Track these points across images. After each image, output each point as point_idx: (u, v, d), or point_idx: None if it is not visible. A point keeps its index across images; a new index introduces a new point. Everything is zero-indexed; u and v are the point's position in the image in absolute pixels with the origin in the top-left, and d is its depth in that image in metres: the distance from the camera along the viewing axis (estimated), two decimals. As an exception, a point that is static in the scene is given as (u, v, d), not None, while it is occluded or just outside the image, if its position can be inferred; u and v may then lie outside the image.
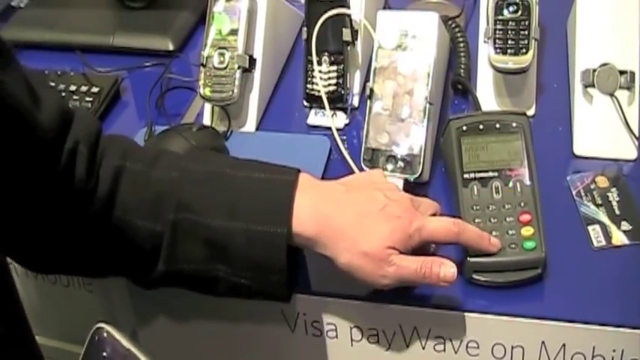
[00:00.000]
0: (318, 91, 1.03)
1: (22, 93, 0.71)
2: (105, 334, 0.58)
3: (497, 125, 0.90)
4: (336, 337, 0.89)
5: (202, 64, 1.05)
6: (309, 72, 1.05)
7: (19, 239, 0.79)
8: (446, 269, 0.78)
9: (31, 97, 0.73)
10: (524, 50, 0.98)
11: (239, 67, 1.04)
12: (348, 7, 1.03)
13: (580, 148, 0.98)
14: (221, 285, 0.80)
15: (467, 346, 0.85)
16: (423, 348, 0.86)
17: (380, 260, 0.77)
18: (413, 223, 0.79)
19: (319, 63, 1.04)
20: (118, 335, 0.58)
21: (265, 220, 0.77)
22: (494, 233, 0.84)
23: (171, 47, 1.22)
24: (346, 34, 1.03)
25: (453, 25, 1.10)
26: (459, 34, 1.09)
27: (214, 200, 0.78)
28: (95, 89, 1.13)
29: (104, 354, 0.58)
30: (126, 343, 0.58)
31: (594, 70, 0.98)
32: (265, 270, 0.78)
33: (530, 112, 1.02)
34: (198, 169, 0.81)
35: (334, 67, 1.04)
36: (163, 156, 0.82)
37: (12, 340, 0.65)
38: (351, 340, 0.88)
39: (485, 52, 1.00)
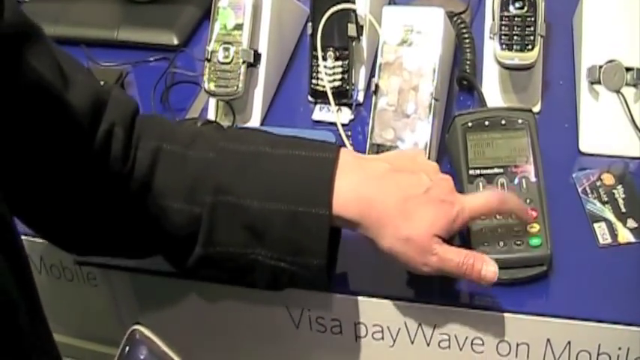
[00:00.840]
0: (323, 87, 1.03)
1: (50, 72, 0.71)
2: (139, 336, 0.57)
3: (503, 122, 0.90)
4: (341, 333, 0.89)
5: (207, 59, 1.05)
6: (314, 67, 1.05)
7: (55, 220, 0.79)
8: (487, 268, 0.77)
9: (61, 78, 0.73)
10: (530, 46, 0.97)
11: (244, 62, 1.04)
12: (354, 3, 1.02)
13: (586, 145, 0.98)
14: (259, 270, 0.79)
15: (472, 343, 0.85)
16: (428, 345, 0.86)
17: (423, 248, 0.76)
18: (455, 206, 0.78)
19: (324, 58, 1.03)
20: (153, 337, 0.57)
21: (306, 201, 0.76)
22: (499, 230, 0.84)
23: (175, 42, 1.22)
24: (351, 30, 1.03)
25: (459, 21, 1.10)
26: (464, 30, 1.09)
27: (253, 181, 0.77)
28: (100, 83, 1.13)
29: (141, 356, 0.57)
30: (162, 345, 0.57)
31: (600, 67, 0.98)
32: (306, 253, 0.76)
33: (536, 108, 1.02)
34: (236, 149, 0.79)
35: (339, 63, 1.04)
36: (200, 136, 0.81)
37: (34, 336, 0.65)
38: (356, 336, 0.88)
39: (491, 48, 1.00)
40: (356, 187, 0.77)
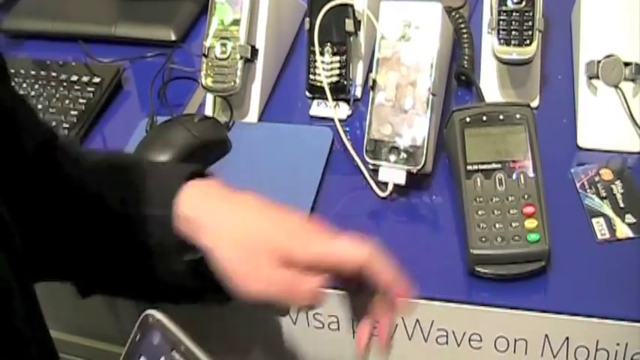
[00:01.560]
0: (321, 82, 1.03)
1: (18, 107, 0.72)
2: (152, 321, 0.56)
3: (501, 117, 0.89)
4: (338, 329, 0.88)
5: (204, 55, 1.05)
6: (312, 62, 1.05)
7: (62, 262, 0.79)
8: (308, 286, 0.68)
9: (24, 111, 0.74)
10: (528, 41, 0.97)
11: (241, 58, 1.03)
12: (351, -3, 1.02)
13: (584, 140, 0.97)
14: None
15: (469, 339, 0.84)
16: (426, 341, 0.86)
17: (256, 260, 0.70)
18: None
19: (322, 53, 1.03)
20: (167, 322, 0.56)
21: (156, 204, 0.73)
22: (497, 225, 0.84)
23: (173, 37, 1.22)
24: (349, 25, 1.02)
25: (457, 16, 1.10)
26: (462, 25, 1.09)
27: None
28: (97, 79, 1.13)
29: (154, 342, 0.56)
30: (176, 330, 0.56)
31: (599, 62, 0.97)
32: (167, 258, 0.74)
33: (534, 103, 1.02)
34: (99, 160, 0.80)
35: (337, 58, 1.03)
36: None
37: (32, 335, 0.65)
38: (353, 332, 0.88)
39: (489, 43, 1.00)
40: (203, 194, 0.74)
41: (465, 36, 1.08)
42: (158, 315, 0.56)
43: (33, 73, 1.15)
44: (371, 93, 0.95)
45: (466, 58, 1.06)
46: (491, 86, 1.03)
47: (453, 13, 1.10)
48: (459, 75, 1.06)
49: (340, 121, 1.02)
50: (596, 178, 0.92)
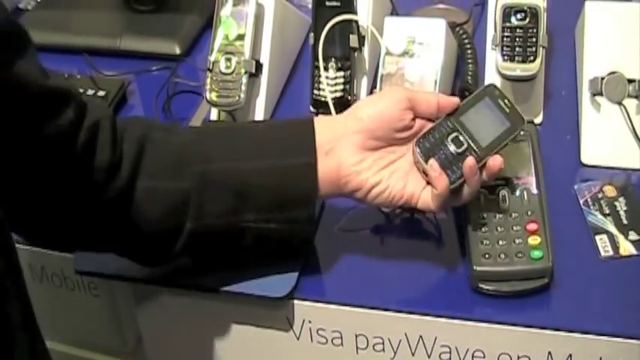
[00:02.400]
0: (325, 97, 1.03)
1: (39, 79, 0.72)
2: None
3: (505, 133, 0.89)
4: (342, 344, 0.88)
5: (209, 69, 1.05)
6: (316, 77, 1.05)
7: (46, 216, 0.78)
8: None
9: (46, 79, 0.73)
10: (531, 58, 0.97)
11: (246, 72, 1.04)
12: (356, 13, 1.02)
13: (588, 156, 0.98)
14: (247, 236, 0.82)
15: (473, 356, 0.84)
16: (429, 357, 0.86)
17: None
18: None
19: (326, 69, 1.03)
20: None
21: (292, 154, 0.80)
22: (501, 242, 0.84)
23: (178, 51, 1.22)
24: (353, 40, 1.03)
25: (461, 32, 1.10)
26: (466, 41, 1.09)
27: (238, 147, 0.82)
28: (102, 92, 1.13)
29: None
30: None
31: (602, 79, 0.98)
32: (295, 206, 0.81)
33: (538, 120, 1.02)
34: (216, 127, 0.85)
35: (341, 73, 1.04)
36: (179, 125, 0.87)
37: (24, 345, 0.65)
38: (357, 348, 0.88)
39: (493, 59, 1.00)
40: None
41: (469, 52, 1.08)
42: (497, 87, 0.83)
43: (38, 86, 1.16)
44: (375, 109, 0.95)
45: (470, 73, 1.06)
46: (494, 102, 1.03)
47: (457, 29, 1.10)
48: (462, 91, 1.06)
49: (344, 136, 1.02)
50: (600, 195, 0.93)
